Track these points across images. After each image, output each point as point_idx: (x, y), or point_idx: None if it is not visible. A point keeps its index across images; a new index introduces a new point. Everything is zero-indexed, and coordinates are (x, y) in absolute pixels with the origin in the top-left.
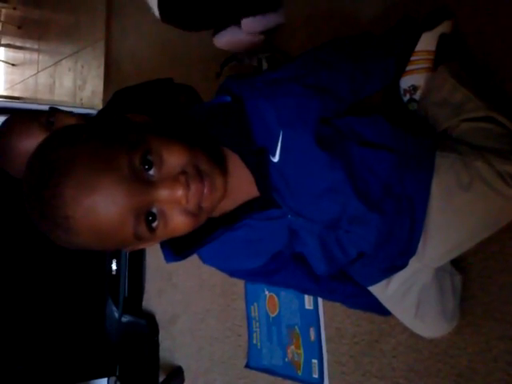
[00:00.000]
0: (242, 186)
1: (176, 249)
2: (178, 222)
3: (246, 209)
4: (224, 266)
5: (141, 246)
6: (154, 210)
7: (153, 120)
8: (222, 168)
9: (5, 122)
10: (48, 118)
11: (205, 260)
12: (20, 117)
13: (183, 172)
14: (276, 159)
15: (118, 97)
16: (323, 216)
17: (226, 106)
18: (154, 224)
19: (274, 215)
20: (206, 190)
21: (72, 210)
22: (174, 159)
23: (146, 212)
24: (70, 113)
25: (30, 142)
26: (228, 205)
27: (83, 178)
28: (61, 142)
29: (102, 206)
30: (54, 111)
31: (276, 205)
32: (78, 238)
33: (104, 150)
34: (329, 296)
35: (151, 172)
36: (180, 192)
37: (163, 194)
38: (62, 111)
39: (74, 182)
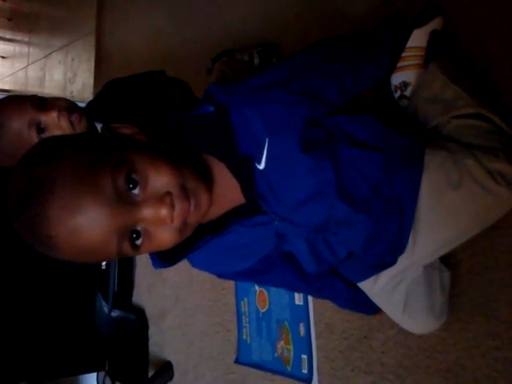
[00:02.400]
0: (228, 193)
1: (163, 255)
2: (163, 239)
3: (233, 215)
4: (212, 270)
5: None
6: (139, 228)
7: (139, 131)
8: (208, 182)
9: None
10: (41, 98)
11: (193, 264)
12: (12, 97)
13: (168, 192)
14: (262, 166)
15: (109, 88)
16: (310, 221)
17: (209, 116)
18: (138, 242)
19: (260, 221)
20: (191, 208)
21: (55, 230)
22: (160, 180)
23: (130, 230)
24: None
25: (20, 120)
26: (215, 212)
27: (67, 199)
28: (46, 157)
29: (85, 227)
30: None
31: (263, 211)
32: (61, 254)
33: (88, 170)
34: (317, 294)
35: (135, 191)
36: (164, 212)
37: (148, 214)
38: None
39: (58, 202)
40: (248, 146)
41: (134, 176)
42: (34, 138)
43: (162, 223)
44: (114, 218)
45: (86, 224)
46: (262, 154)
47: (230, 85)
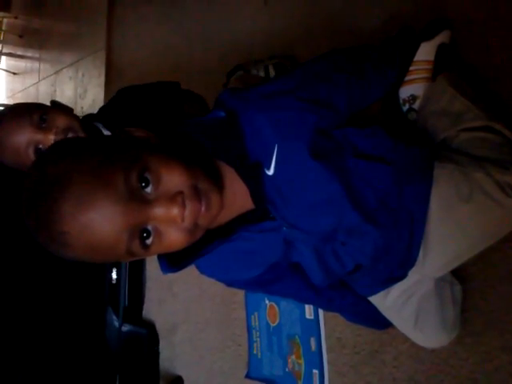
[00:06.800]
0: (237, 198)
1: (172, 260)
2: (173, 239)
3: (242, 221)
4: (221, 277)
5: (135, 259)
6: (149, 227)
7: (153, 135)
8: (219, 185)
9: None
10: (41, 115)
11: (201, 270)
12: (13, 111)
13: (180, 192)
14: (271, 172)
15: (122, 95)
16: (318, 228)
17: (220, 121)
18: (149, 241)
19: (268, 227)
20: (202, 209)
21: (68, 225)
22: (173, 179)
23: (141, 229)
24: (67, 109)
25: (19, 138)
26: (224, 217)
27: (81, 195)
28: (61, 156)
29: (97, 224)
30: (51, 106)
31: (271, 217)
32: (72, 252)
33: (102, 167)
34: (327, 305)
35: (148, 190)
36: (176, 211)
37: (159, 212)
38: (60, 107)
39: (72, 198)
40: (257, 152)
41: (146, 175)
42: (31, 156)
43: (172, 222)
44: (126, 215)
45: (98, 220)
46: (272, 159)
47: (241, 91)
